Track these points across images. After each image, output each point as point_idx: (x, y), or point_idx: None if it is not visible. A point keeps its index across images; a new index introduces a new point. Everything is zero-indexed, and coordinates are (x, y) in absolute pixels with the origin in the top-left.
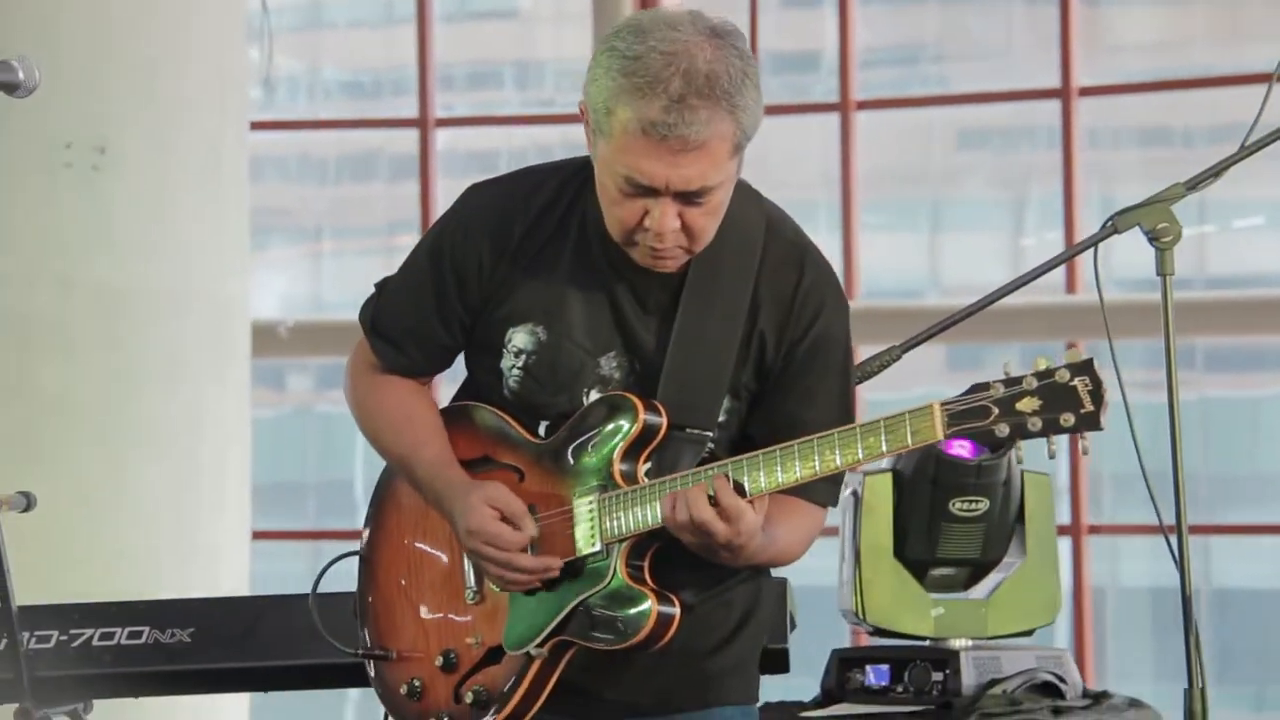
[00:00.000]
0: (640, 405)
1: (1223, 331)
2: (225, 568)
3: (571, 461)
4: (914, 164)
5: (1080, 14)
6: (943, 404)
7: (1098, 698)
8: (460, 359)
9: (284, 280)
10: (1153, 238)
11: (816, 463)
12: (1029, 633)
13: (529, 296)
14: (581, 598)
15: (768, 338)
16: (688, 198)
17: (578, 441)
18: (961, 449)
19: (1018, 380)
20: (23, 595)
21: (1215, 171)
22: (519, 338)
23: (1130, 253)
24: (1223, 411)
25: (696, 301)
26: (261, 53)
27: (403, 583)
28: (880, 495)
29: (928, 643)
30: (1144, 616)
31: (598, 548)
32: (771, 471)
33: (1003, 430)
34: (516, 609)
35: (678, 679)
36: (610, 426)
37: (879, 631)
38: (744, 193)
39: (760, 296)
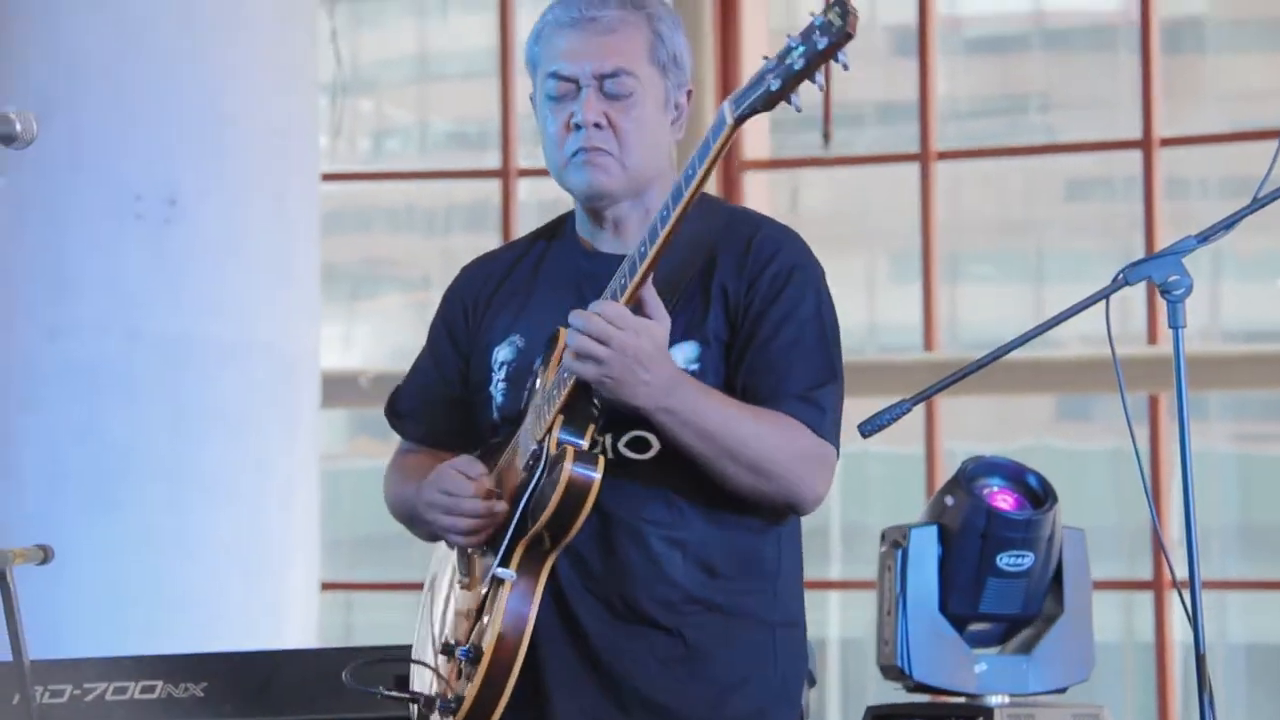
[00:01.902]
0: (561, 329)
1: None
2: (291, 619)
3: (521, 415)
4: (1018, 215)
5: (1176, 63)
6: (729, 98)
7: None
8: None
9: (390, 329)
10: (1164, 290)
11: (659, 225)
12: (1064, 690)
13: (507, 314)
14: (527, 495)
15: (728, 285)
16: (607, 86)
17: (527, 400)
18: (1004, 502)
19: (784, 45)
20: (85, 643)
21: (1227, 224)
22: (502, 353)
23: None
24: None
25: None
26: (334, 106)
27: (433, 627)
28: (926, 549)
29: (962, 699)
30: (1239, 674)
31: (533, 447)
32: (633, 266)
33: (775, 84)
34: (488, 549)
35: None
36: (541, 358)
37: (920, 687)
38: (708, 202)
39: (715, 259)
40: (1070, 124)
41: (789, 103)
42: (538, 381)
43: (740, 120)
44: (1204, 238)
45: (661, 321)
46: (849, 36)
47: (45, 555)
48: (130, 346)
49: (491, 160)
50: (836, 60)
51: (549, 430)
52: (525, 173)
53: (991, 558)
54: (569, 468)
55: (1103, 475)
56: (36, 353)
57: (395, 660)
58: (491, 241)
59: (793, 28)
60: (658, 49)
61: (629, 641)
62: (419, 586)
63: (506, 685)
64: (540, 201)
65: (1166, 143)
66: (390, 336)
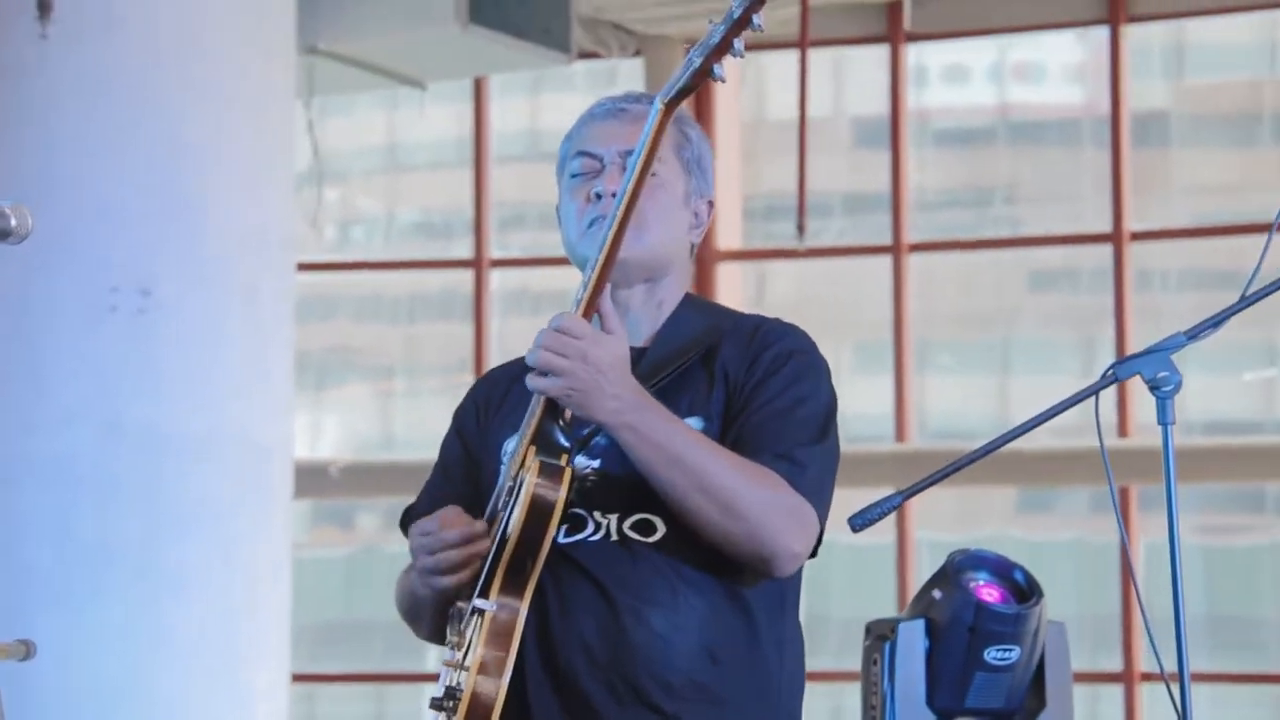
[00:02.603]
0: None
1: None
2: (263, 712)
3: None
4: (983, 306)
5: (1142, 158)
6: (660, 93)
7: None
8: None
9: (356, 418)
10: (1153, 387)
11: (606, 228)
12: None
13: (516, 410)
14: (504, 522)
15: (729, 367)
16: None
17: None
18: (990, 596)
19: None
20: None
21: (1215, 322)
22: (511, 444)
23: (1194, 397)
24: (1249, 555)
25: (650, 364)
26: (316, 195)
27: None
28: (914, 642)
29: None
30: None
31: (509, 482)
32: (589, 272)
33: (696, 62)
34: (473, 589)
35: None
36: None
37: None
38: (716, 308)
39: (718, 347)
40: (1034, 216)
41: (713, 77)
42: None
43: (671, 105)
44: (1193, 335)
45: (620, 338)
46: (761, 2)
47: (27, 651)
48: (104, 439)
49: (459, 250)
50: (752, 26)
51: (522, 462)
52: (497, 263)
53: (979, 652)
54: (534, 479)
55: (1064, 566)
56: (12, 446)
57: None
58: (457, 329)
59: (764, 119)
60: (684, 147)
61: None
62: (382, 677)
63: (493, 713)
64: (507, 290)
65: (1136, 237)
66: (355, 425)
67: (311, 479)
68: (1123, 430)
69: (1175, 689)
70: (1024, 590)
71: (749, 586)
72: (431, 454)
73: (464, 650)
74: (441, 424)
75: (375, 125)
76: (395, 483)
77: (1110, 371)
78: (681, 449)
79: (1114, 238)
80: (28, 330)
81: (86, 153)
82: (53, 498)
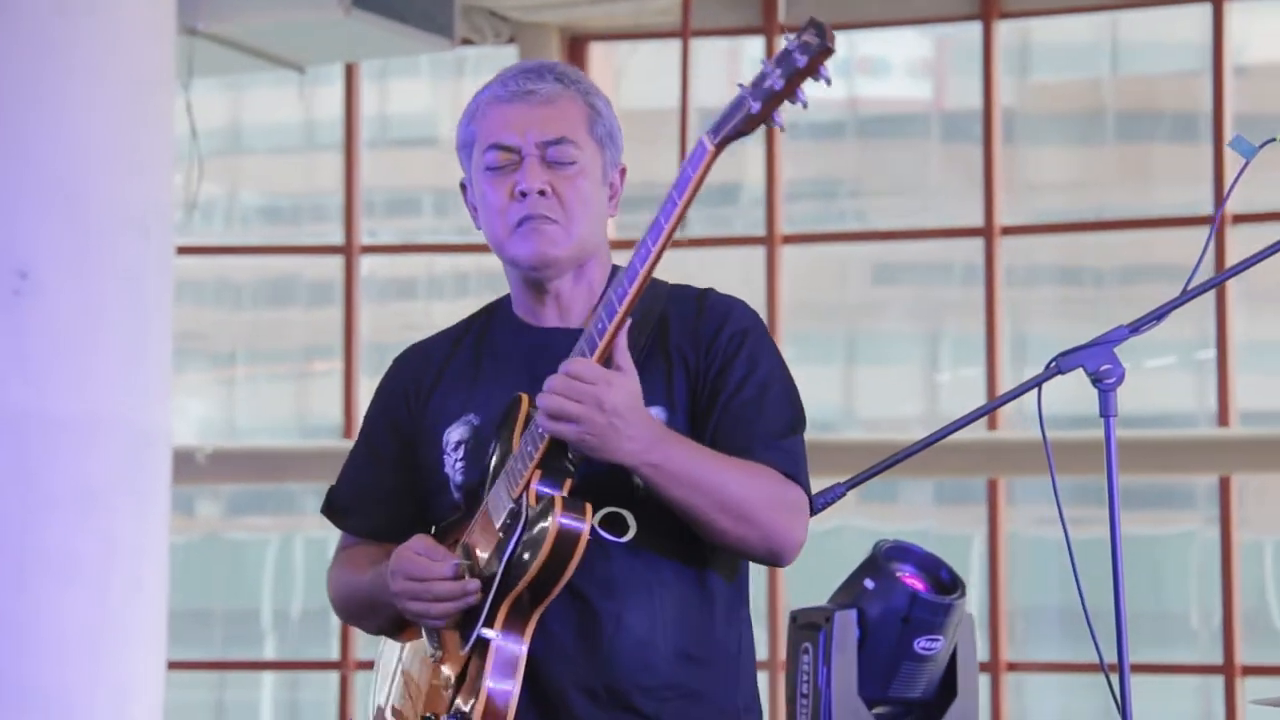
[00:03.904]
0: (524, 395)
1: (1132, 471)
2: (139, 700)
3: (488, 484)
4: (830, 298)
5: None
6: (709, 130)
7: None
8: None
9: (199, 406)
10: (1096, 379)
11: (638, 263)
12: None
13: (456, 396)
14: (509, 551)
15: (685, 350)
16: (550, 154)
17: (489, 465)
18: (918, 585)
19: (760, 70)
20: None
21: (1158, 315)
22: (455, 433)
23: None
24: (1131, 548)
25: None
26: (189, 178)
27: (394, 704)
28: (848, 632)
29: None
30: None
31: (510, 505)
32: (611, 311)
33: (754, 106)
34: (466, 617)
35: None
36: (506, 427)
37: None
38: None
39: (668, 330)
40: (880, 210)
41: (772, 122)
42: (497, 447)
43: (721, 147)
44: (1135, 328)
45: (632, 376)
46: (829, 51)
47: None
48: None
49: (306, 236)
50: (818, 77)
51: (525, 485)
52: (368, 249)
53: (910, 642)
54: (558, 517)
55: None
56: None
57: None
58: (294, 318)
59: (631, 71)
60: (595, 123)
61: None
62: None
63: None
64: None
65: (1008, 231)
66: (197, 411)
67: (178, 465)
68: (991, 423)
69: (1115, 680)
70: (947, 582)
71: (723, 575)
72: (277, 441)
73: (459, 673)
74: (286, 412)
75: (216, 109)
76: (245, 470)
77: (1053, 363)
78: (700, 474)
79: (985, 232)
80: None
81: None
82: None
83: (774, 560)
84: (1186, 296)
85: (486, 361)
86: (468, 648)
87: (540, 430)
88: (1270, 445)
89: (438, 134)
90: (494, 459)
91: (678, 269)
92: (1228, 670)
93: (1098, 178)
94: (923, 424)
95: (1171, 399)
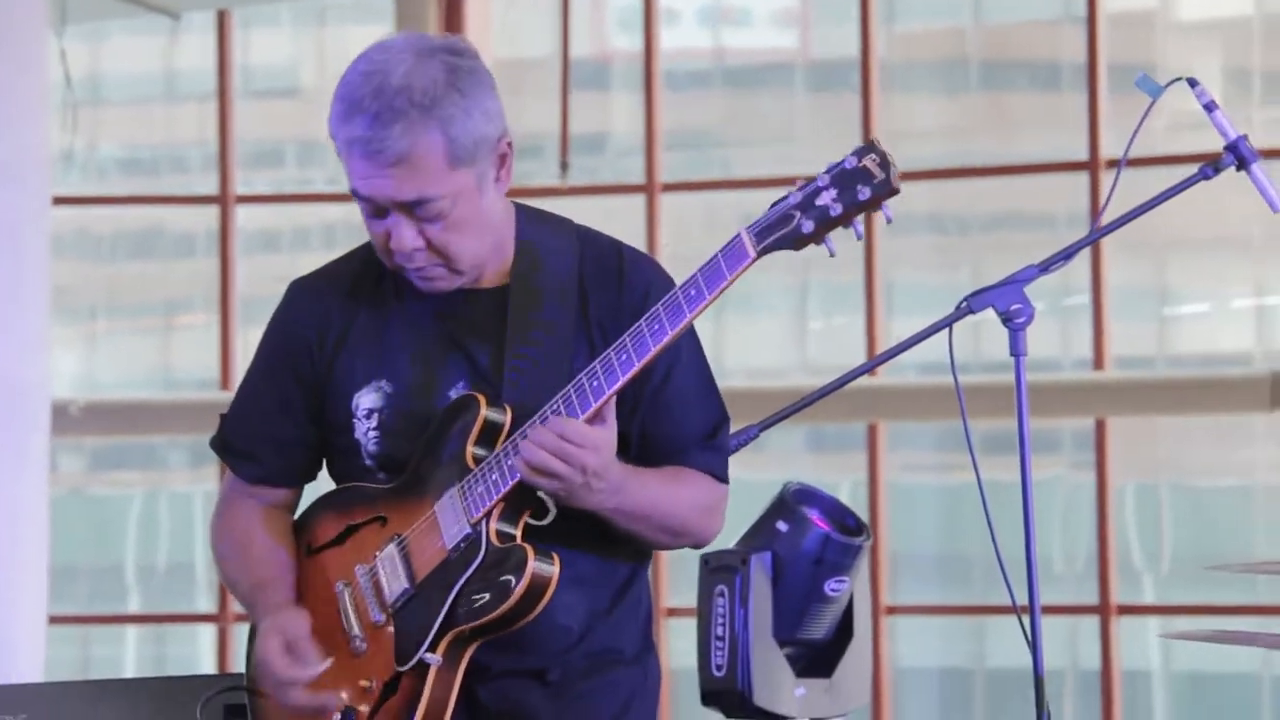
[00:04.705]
0: (482, 398)
1: (999, 415)
2: (21, 654)
3: (429, 477)
4: (698, 248)
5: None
6: (748, 227)
7: None
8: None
9: (63, 359)
10: (1006, 318)
11: (650, 339)
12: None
13: (365, 358)
14: (460, 582)
15: (606, 323)
16: (413, 212)
17: (430, 457)
18: (827, 525)
19: (811, 181)
20: None
21: (1067, 254)
22: (366, 399)
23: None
24: (995, 494)
25: (521, 313)
26: (64, 127)
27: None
28: (763, 575)
29: None
30: (930, 697)
31: (466, 530)
32: (611, 374)
33: (807, 226)
34: (402, 626)
35: None
36: (457, 426)
37: (754, 714)
38: (552, 219)
39: (587, 294)
40: (745, 160)
41: (818, 243)
42: (442, 443)
43: (763, 255)
44: (1045, 267)
45: (612, 427)
46: (893, 192)
47: None
48: None
49: (165, 186)
50: (877, 211)
51: (486, 515)
52: (243, 199)
53: (820, 584)
54: (529, 571)
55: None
56: None
57: (232, 690)
58: (158, 271)
59: (507, 21)
60: (456, 151)
61: (520, 690)
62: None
63: None
64: (253, 230)
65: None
66: (61, 365)
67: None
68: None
69: (1026, 620)
70: (853, 525)
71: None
72: (138, 394)
73: (383, 680)
74: (150, 366)
75: (77, 59)
76: (108, 423)
77: (964, 304)
78: (648, 508)
79: None
80: None
81: None
82: None
83: (696, 549)
84: (1095, 235)
85: (395, 321)
86: (407, 667)
87: (512, 468)
88: (1143, 389)
89: (300, 84)
90: (436, 455)
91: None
92: (1103, 610)
93: (964, 126)
94: (796, 372)
95: (1038, 345)
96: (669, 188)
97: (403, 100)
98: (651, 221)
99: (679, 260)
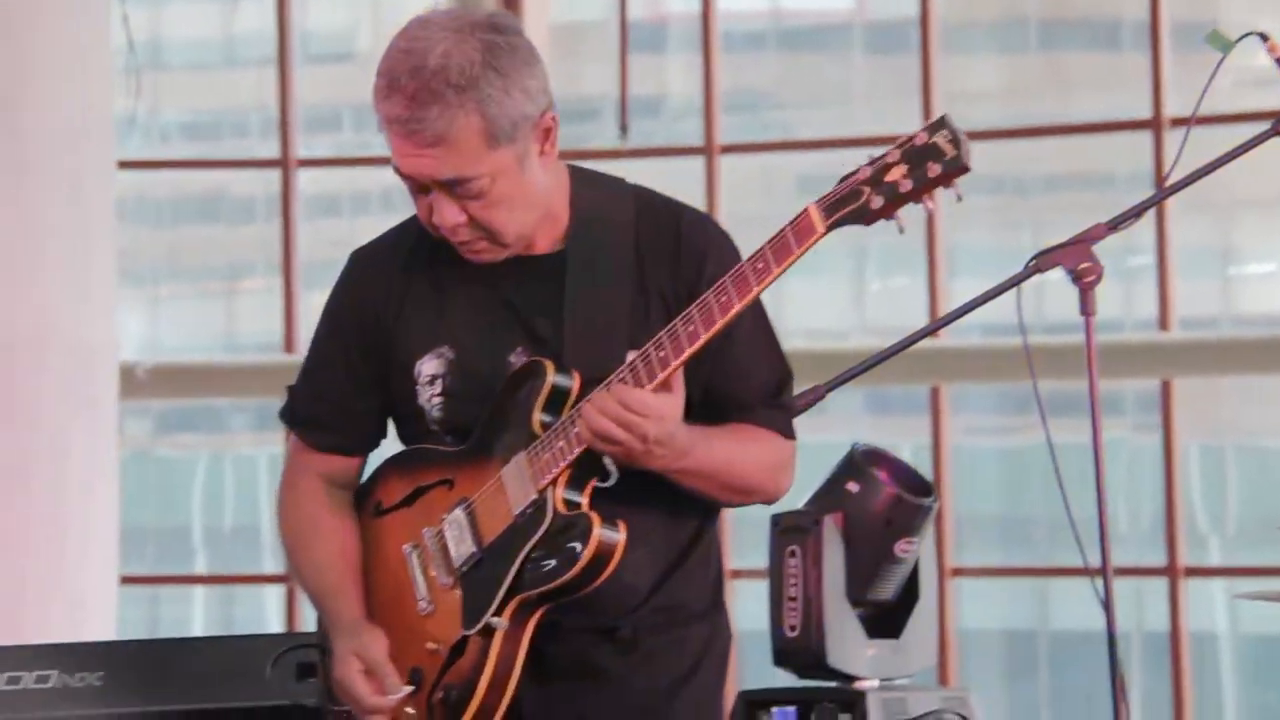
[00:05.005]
0: (548, 364)
1: (1063, 376)
2: (92, 613)
3: (495, 442)
4: (756, 209)
5: (898, 63)
6: (817, 201)
7: None
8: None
9: (127, 323)
10: (1075, 277)
11: (716, 311)
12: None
13: (425, 325)
14: (526, 548)
15: (665, 291)
16: (453, 190)
17: (497, 421)
18: (897, 486)
19: (881, 156)
20: None
21: (1137, 212)
22: (428, 366)
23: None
24: (1059, 457)
25: (577, 278)
26: (128, 92)
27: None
28: (835, 535)
29: (834, 684)
30: (995, 659)
31: (533, 495)
32: (678, 345)
33: (876, 202)
34: (469, 590)
35: None
36: (523, 392)
37: (826, 674)
38: (607, 180)
39: (644, 260)
40: (803, 122)
41: (890, 219)
42: (510, 410)
43: (831, 229)
44: (1114, 225)
45: (679, 394)
46: (964, 170)
47: None
48: None
49: (227, 150)
50: (949, 187)
51: (553, 482)
52: (305, 162)
53: (890, 544)
54: (595, 539)
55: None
56: None
57: (302, 648)
58: (220, 235)
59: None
60: (494, 130)
61: (590, 647)
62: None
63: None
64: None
65: None
66: (125, 328)
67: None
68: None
69: (1099, 583)
70: (920, 486)
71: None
72: (206, 357)
73: (450, 643)
74: (210, 329)
75: (137, 24)
76: (173, 387)
77: (1032, 263)
78: (713, 467)
79: None
80: None
81: None
82: None
83: (766, 506)
84: (1164, 193)
85: (452, 284)
86: (474, 631)
87: (578, 435)
88: (1208, 349)
89: (357, 48)
90: (503, 419)
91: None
92: (1171, 572)
93: (1023, 86)
94: (856, 334)
95: (1102, 306)
96: (727, 149)
97: (439, 81)
98: (710, 183)
99: (737, 221)
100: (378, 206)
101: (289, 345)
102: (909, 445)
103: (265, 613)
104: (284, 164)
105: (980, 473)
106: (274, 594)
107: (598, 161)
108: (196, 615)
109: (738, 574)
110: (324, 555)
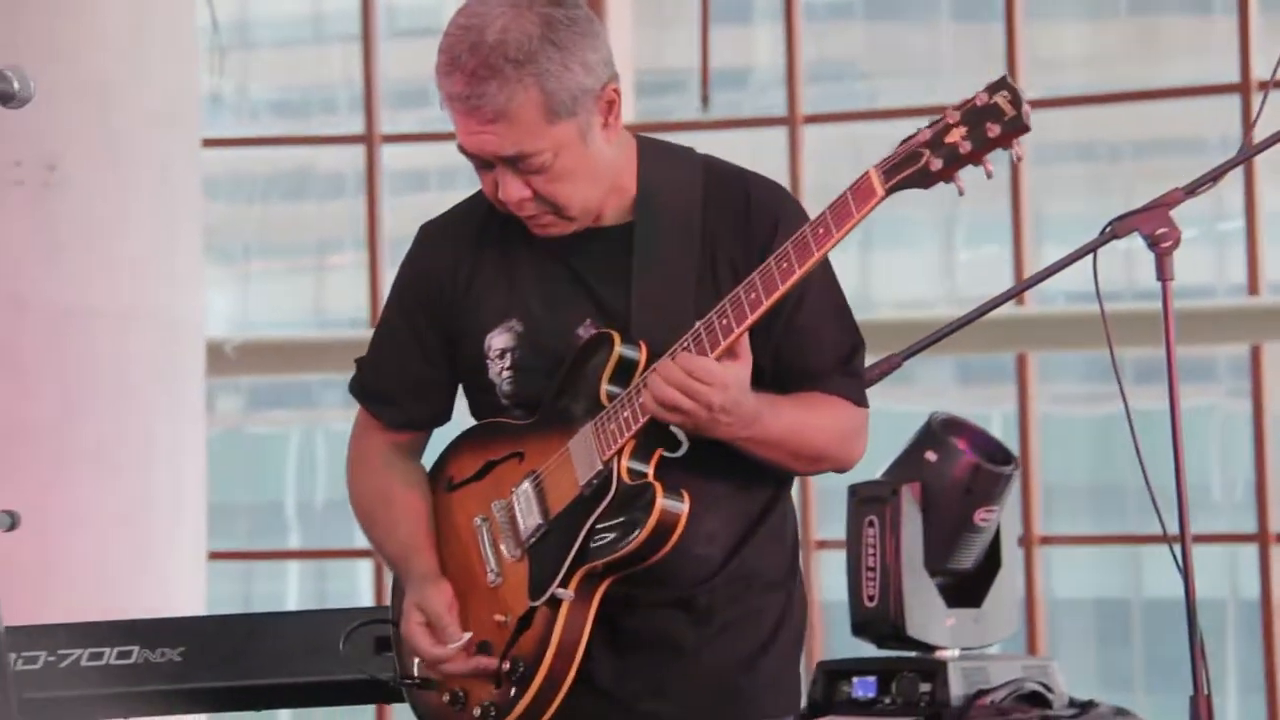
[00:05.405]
0: (615, 335)
1: (1151, 343)
2: (181, 589)
3: (564, 414)
4: (844, 180)
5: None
6: (877, 164)
7: (1084, 707)
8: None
9: (217, 300)
10: (1152, 243)
11: (778, 278)
12: (1000, 642)
13: (494, 298)
14: (591, 520)
15: (735, 260)
16: (516, 166)
17: (565, 394)
18: (976, 454)
19: (941, 118)
20: None
21: (1214, 176)
22: (498, 340)
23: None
24: (1148, 423)
25: (645, 250)
26: (213, 70)
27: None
28: (913, 505)
29: (914, 654)
30: (1086, 628)
31: (598, 467)
32: (740, 313)
33: (936, 164)
34: (537, 563)
35: (712, 694)
36: (591, 364)
37: (904, 643)
38: (676, 151)
39: (712, 230)
40: (890, 91)
41: (950, 181)
42: (578, 383)
43: (891, 193)
44: (1191, 189)
45: (745, 362)
46: (1024, 129)
47: (13, 521)
48: (11, 314)
49: (316, 127)
50: (1009, 148)
51: (618, 452)
52: (389, 138)
53: (970, 513)
54: (658, 508)
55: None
56: None
57: (378, 623)
58: (309, 211)
59: None
60: (553, 105)
61: (666, 619)
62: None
63: (554, 702)
64: (401, 170)
65: (1036, 105)
66: (214, 304)
67: (206, 358)
68: (1018, 298)
69: (1178, 550)
70: (1000, 454)
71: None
72: (291, 333)
73: (518, 615)
74: (299, 305)
75: (225, 2)
76: (264, 363)
77: (1108, 229)
78: (783, 435)
79: None
80: None
81: None
82: None
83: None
84: (1245, 155)
85: (522, 257)
86: (541, 602)
87: (643, 406)
88: None
89: (441, 23)
90: (571, 392)
91: (720, 151)
92: (1262, 539)
93: (1111, 51)
94: (945, 304)
95: (1192, 272)
96: (810, 119)
97: (497, 56)
98: (794, 154)
99: (825, 192)
100: (465, 181)
101: (375, 321)
102: (999, 414)
103: (358, 587)
104: (368, 140)
105: (1072, 441)
106: (365, 568)
107: (679, 133)
108: (290, 590)
109: (823, 544)
110: (399, 517)
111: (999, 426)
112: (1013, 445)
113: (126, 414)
